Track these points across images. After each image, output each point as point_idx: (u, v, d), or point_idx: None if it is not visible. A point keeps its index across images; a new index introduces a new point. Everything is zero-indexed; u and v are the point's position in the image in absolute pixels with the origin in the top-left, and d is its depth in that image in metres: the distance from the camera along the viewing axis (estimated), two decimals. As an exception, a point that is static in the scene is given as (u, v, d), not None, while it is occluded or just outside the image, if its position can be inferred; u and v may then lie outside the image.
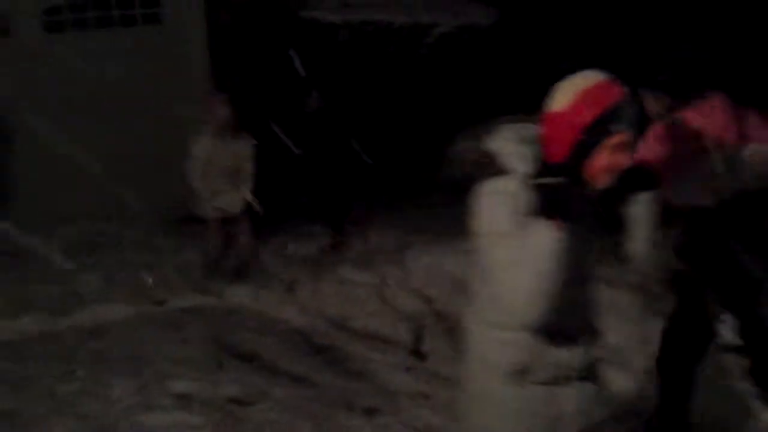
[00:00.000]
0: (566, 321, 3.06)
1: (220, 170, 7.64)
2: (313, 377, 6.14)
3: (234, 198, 7.78)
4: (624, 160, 2.95)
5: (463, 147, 3.11)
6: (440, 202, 9.21)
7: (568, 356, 3.13)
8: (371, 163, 8.73)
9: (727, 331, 4.67)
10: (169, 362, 6.35)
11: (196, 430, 5.37)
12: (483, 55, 9.60)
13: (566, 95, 2.95)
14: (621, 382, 5.60)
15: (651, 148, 4.28)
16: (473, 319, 3.29)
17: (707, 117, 4.32)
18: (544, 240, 2.86)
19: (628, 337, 6.04)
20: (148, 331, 6.92)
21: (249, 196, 7.76)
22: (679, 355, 4.61)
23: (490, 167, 3.04)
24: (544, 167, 2.98)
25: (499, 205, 2.97)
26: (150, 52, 9.13)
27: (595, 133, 2.91)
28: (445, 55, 9.49)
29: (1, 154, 8.67)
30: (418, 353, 6.44)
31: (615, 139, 2.92)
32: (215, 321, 7.14)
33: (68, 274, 7.98)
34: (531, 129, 3.07)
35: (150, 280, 7.76)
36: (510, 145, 3.05)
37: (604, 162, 2.94)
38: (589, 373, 3.22)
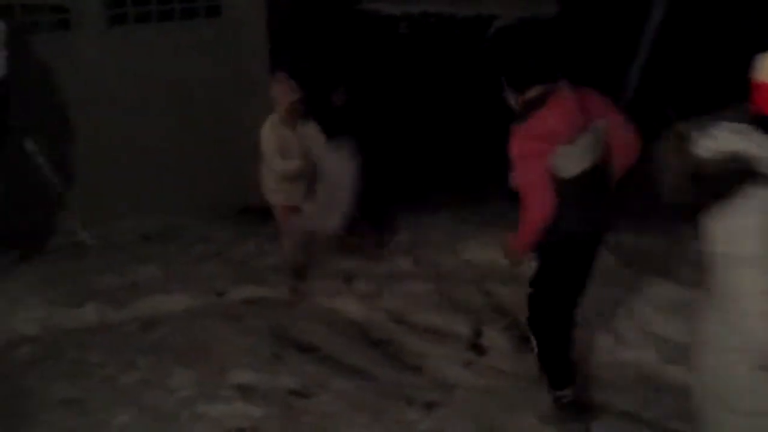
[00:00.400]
0: None
1: (290, 162, 7.21)
2: (372, 370, 6.15)
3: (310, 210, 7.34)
4: None
5: (673, 154, 2.53)
6: (492, 197, 9.14)
7: None
8: None
9: None
10: (229, 353, 6.41)
11: (257, 422, 5.43)
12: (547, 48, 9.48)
13: None
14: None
15: None
16: (711, 355, 2.92)
17: (557, 114, 4.60)
18: None
19: None
20: (207, 322, 6.98)
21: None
22: (549, 312, 5.08)
23: (732, 175, 2.60)
24: None
25: (755, 221, 2.57)
26: (211, 45, 9.16)
27: None
28: (504, 48, 9.39)
29: (63, 148, 8.77)
30: (477, 347, 6.39)
31: None
32: (274, 312, 7.17)
33: (128, 264, 8.06)
34: (739, 124, 2.73)
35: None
36: (752, 145, 2.63)
37: None
38: None
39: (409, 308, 7.05)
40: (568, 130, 4.59)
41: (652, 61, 9.31)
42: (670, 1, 9.16)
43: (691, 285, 6.70)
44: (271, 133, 7.22)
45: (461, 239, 8.17)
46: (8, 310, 7.05)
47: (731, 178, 2.64)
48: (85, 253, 8.39)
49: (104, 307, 7.19)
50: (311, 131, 7.32)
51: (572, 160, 4.65)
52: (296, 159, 7.24)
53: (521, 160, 4.61)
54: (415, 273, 7.65)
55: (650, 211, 8.31)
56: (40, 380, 6.14)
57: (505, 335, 6.48)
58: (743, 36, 7.52)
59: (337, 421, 5.43)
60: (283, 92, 7.18)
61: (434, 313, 6.92)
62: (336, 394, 5.79)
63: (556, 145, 4.58)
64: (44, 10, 8.78)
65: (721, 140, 2.70)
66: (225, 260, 8.15)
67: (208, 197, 9.15)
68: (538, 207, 4.65)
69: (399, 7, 9.76)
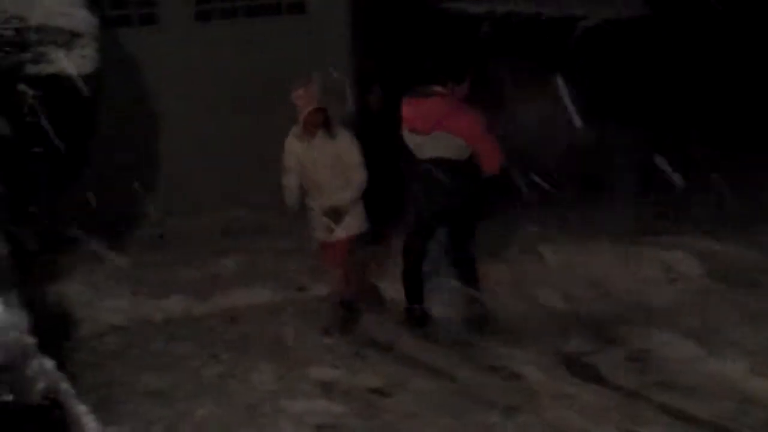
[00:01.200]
0: None
1: (319, 175, 6.68)
2: (452, 371, 6.12)
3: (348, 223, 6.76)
4: None
5: None
6: (570, 201, 9.03)
7: None
8: None
9: None
10: (309, 349, 6.45)
11: (338, 419, 5.43)
12: (633, 50, 9.30)
13: None
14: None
15: None
16: None
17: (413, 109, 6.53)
18: None
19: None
20: (288, 317, 7.05)
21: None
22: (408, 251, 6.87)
23: None
24: None
25: None
26: (295, 42, 9.22)
27: None
28: (593, 49, 9.23)
29: (149, 141, 8.91)
30: (560, 353, 6.30)
31: None
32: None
33: (210, 258, 8.16)
34: None
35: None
36: None
37: None
38: None
39: (489, 309, 7.00)
40: (411, 120, 6.51)
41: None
42: None
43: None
44: (289, 147, 6.75)
45: (539, 242, 8.10)
46: (95, 300, 7.19)
47: None
48: (168, 245, 8.50)
49: (189, 300, 7.30)
50: (344, 142, 6.63)
51: (414, 146, 6.54)
52: (320, 172, 6.64)
53: None
54: (494, 275, 7.56)
55: (741, 222, 8.20)
56: (126, 370, 6.24)
57: (589, 341, 6.40)
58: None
59: (418, 422, 5.40)
60: (303, 101, 6.53)
61: (515, 314, 6.89)
62: (416, 394, 5.77)
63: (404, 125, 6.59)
64: (133, 4, 8.93)
65: None
66: (305, 255, 8.17)
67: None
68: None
69: (483, 6, 9.67)
